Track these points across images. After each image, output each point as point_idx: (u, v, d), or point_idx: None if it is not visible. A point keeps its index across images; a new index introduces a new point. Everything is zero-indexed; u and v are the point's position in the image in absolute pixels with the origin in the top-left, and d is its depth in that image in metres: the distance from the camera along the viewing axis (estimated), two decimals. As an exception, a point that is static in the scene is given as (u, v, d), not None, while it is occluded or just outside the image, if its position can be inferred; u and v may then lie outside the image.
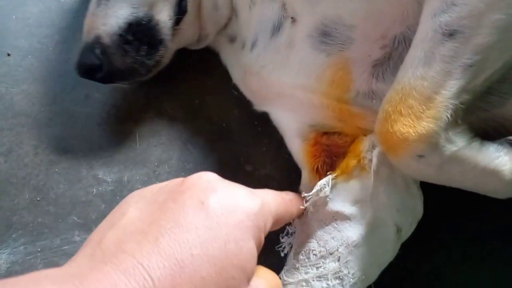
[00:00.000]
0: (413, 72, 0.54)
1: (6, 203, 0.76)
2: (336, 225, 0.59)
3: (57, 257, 0.73)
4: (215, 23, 0.78)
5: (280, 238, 0.63)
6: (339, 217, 0.59)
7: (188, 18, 0.75)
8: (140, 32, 0.70)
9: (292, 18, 0.66)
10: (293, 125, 0.73)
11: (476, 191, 0.58)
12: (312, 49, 0.65)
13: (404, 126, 0.53)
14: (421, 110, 0.53)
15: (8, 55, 0.87)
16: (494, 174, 0.55)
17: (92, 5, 0.72)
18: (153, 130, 0.82)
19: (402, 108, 0.53)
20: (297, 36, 0.67)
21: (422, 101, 0.53)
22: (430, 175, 0.57)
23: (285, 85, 0.71)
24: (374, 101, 0.63)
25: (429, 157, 0.54)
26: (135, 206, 0.45)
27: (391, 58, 0.61)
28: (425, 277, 0.72)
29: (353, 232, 0.58)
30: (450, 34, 0.52)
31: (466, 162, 0.55)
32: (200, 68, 0.86)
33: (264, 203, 0.48)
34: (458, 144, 0.54)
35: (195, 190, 0.45)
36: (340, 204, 0.59)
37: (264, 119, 0.78)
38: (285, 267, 0.61)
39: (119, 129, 0.82)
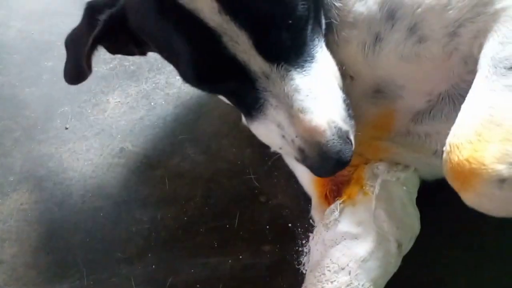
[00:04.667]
0: (477, 104, 0.48)
1: (62, 245, 0.77)
2: (345, 244, 0.60)
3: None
4: None
5: (301, 259, 0.66)
6: (347, 236, 0.60)
7: None
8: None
9: (351, 76, 0.62)
10: None
11: None
12: (364, 102, 0.62)
13: (476, 152, 0.45)
14: (491, 135, 0.45)
15: (55, 119, 0.91)
16: None
17: (293, 113, 0.54)
18: (179, 173, 0.83)
19: (470, 136, 0.46)
20: (353, 91, 0.62)
21: (491, 128, 0.46)
22: None
23: None
24: (406, 137, 0.61)
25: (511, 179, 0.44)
26: None
27: (433, 109, 0.59)
28: (426, 285, 0.70)
29: (360, 248, 0.59)
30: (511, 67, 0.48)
31: None
32: (215, 116, 0.89)
33: None
34: None
35: None
36: (348, 225, 0.60)
37: (273, 154, 0.78)
38: (303, 284, 0.62)
39: (150, 174, 0.84)
